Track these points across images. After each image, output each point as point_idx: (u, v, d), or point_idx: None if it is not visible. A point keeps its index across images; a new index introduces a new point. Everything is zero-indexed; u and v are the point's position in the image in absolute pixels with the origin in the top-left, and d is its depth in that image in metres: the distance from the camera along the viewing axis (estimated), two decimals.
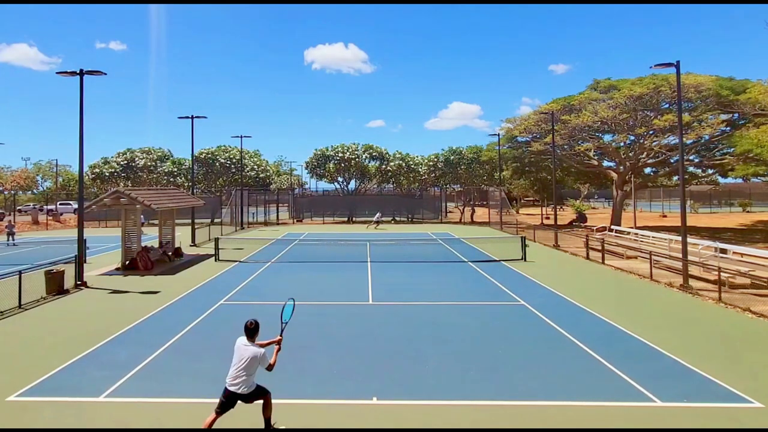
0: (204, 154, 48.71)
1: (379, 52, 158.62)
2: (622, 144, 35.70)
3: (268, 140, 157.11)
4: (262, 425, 6.49)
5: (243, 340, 6.26)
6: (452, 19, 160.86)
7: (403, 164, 49.39)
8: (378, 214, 41.75)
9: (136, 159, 50.04)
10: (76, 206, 38.98)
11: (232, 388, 6.10)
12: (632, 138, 34.59)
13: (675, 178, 38.22)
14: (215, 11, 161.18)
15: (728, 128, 30.91)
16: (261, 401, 6.34)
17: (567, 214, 48.62)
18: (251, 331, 6.26)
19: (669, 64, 15.85)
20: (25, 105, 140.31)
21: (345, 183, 51.56)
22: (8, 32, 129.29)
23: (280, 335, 6.59)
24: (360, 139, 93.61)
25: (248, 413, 6.65)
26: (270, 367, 6.23)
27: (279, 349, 6.43)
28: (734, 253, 17.57)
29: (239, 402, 6.22)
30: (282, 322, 6.69)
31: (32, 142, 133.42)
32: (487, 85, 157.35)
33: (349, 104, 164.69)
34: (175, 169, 49.39)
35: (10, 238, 28.89)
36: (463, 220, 45.93)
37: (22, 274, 13.26)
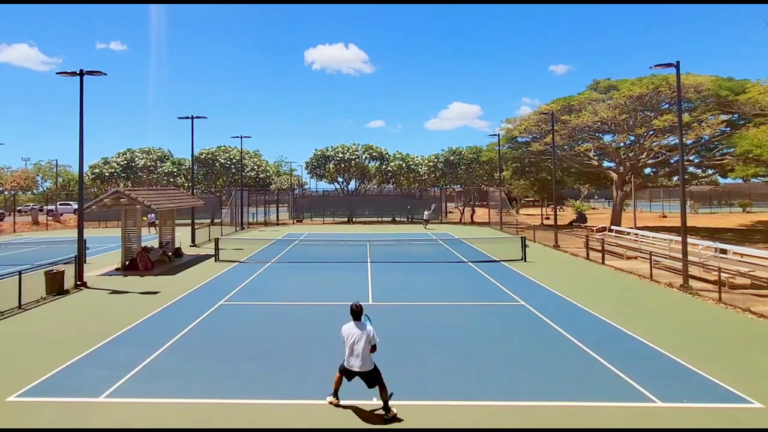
0: (204, 155, 48.71)
1: (379, 52, 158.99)
2: (621, 144, 35.70)
3: (268, 140, 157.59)
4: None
5: (351, 323, 7.00)
6: (452, 20, 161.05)
7: (403, 164, 49.38)
8: (426, 212, 41.08)
9: (136, 159, 50.04)
10: (76, 206, 38.99)
11: (353, 369, 6.80)
12: (632, 138, 34.58)
13: (675, 178, 38.21)
14: (215, 11, 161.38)
15: (728, 128, 30.91)
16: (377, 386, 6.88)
17: (567, 215, 48.62)
18: (358, 313, 7.03)
19: (669, 65, 15.84)
20: (26, 105, 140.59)
21: (345, 183, 51.57)
22: (9, 32, 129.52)
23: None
24: (360, 140, 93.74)
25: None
26: (374, 348, 6.87)
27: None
28: (734, 253, 17.57)
29: None
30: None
31: (32, 143, 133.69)
32: (487, 86, 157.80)
33: (349, 104, 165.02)
34: (175, 170, 49.39)
35: None
36: (463, 221, 45.93)
37: (22, 275, 13.26)
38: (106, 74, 16.77)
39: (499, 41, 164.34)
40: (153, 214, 33.08)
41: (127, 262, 19.12)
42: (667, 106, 32.18)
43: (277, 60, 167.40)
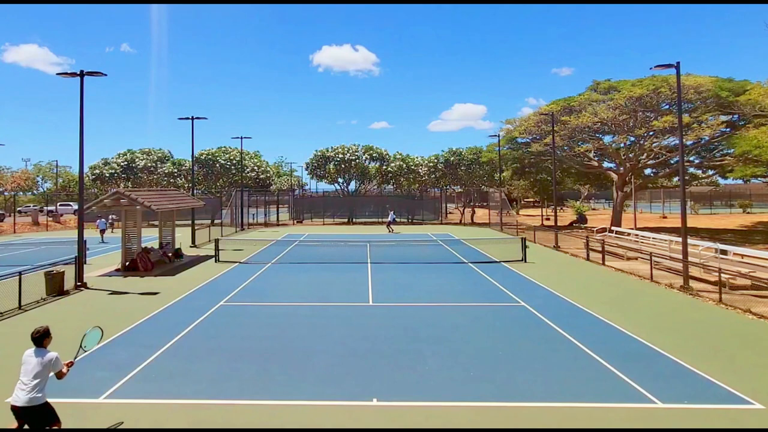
0: (204, 155, 48.71)
1: (383, 54, 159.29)
2: (622, 145, 35.71)
3: (268, 141, 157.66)
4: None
5: (30, 350, 5.95)
6: (456, 22, 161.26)
7: (404, 165, 49.41)
8: (391, 213, 38.19)
9: (137, 160, 50.04)
10: (76, 207, 38.96)
11: (17, 403, 5.60)
12: (632, 139, 34.59)
13: (675, 179, 38.25)
14: (217, 12, 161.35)
15: (728, 129, 30.93)
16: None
17: (567, 215, 48.62)
18: (40, 338, 5.98)
19: (669, 65, 15.84)
20: (27, 106, 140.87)
21: (345, 184, 51.56)
22: (16, 34, 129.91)
23: (73, 360, 6.18)
24: (363, 141, 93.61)
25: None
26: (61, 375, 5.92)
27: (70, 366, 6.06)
28: (734, 254, 17.58)
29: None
30: (81, 347, 6.37)
31: (32, 143, 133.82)
32: (491, 87, 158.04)
33: (352, 106, 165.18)
34: (176, 170, 49.38)
35: None
36: (463, 221, 45.93)
37: (22, 275, 13.26)
38: (106, 75, 16.76)
39: (503, 43, 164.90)
40: (103, 220, 31.96)
41: (127, 263, 19.12)
42: (667, 106, 32.19)
43: (280, 61, 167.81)
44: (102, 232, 31.89)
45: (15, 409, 5.63)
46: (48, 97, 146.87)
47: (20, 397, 5.59)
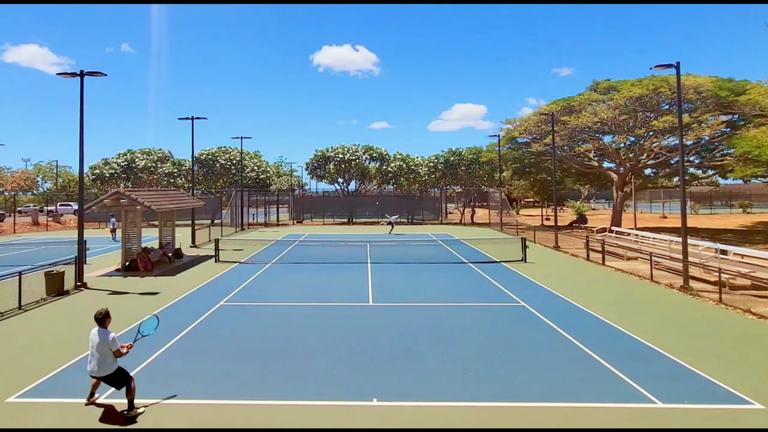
0: (204, 155, 48.72)
1: (383, 54, 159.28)
2: (622, 145, 35.71)
3: (269, 141, 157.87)
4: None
5: (95, 330, 7.17)
6: (457, 21, 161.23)
7: (404, 165, 49.39)
8: (396, 216, 37.34)
9: (137, 160, 50.06)
10: (76, 207, 38.94)
11: (92, 372, 7.00)
12: (632, 139, 34.59)
13: (675, 179, 38.23)
14: (219, 12, 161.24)
15: (728, 129, 30.93)
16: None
17: (567, 215, 48.61)
18: (101, 319, 7.20)
19: (669, 65, 15.83)
20: (27, 106, 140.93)
21: (345, 184, 51.55)
22: (18, 34, 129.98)
23: (132, 343, 7.37)
24: (363, 141, 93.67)
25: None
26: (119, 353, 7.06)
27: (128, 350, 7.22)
28: (735, 254, 17.58)
29: None
30: (139, 332, 7.54)
31: (33, 143, 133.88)
32: (491, 87, 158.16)
33: (353, 106, 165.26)
34: (176, 170, 49.38)
35: None
36: (463, 222, 45.92)
37: (22, 275, 13.25)
38: (106, 75, 16.75)
39: (503, 43, 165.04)
40: (114, 219, 31.84)
41: (127, 263, 19.11)
42: (667, 107, 32.19)
43: (280, 61, 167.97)
44: (113, 231, 31.84)
45: (92, 375, 7.01)
46: (48, 97, 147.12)
47: (93, 368, 6.96)
